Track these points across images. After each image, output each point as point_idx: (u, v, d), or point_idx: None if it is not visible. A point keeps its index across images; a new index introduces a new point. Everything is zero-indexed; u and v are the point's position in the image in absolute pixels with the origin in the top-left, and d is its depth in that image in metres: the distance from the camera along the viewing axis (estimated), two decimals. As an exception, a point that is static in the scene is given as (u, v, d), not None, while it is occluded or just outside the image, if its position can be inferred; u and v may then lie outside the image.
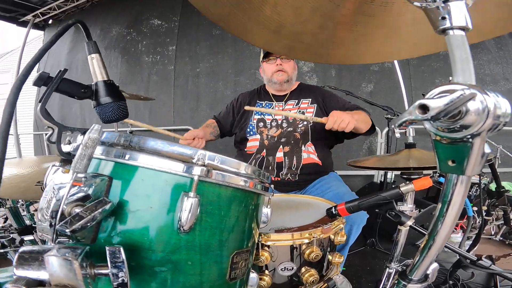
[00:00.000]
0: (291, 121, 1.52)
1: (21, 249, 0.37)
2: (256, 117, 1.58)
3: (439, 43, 0.66)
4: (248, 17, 0.60)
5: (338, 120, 1.19)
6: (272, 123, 1.54)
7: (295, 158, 1.46)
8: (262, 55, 1.60)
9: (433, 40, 0.65)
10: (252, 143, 1.55)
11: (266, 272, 0.79)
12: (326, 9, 0.58)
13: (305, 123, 1.50)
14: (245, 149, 1.56)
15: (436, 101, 0.31)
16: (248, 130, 1.57)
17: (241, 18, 0.61)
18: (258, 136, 1.54)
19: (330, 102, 1.55)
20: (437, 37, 0.63)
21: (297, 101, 1.58)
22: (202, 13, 0.58)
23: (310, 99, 1.57)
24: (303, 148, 1.47)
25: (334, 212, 0.80)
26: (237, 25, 0.64)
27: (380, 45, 0.69)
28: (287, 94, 1.62)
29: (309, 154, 1.47)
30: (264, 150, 1.50)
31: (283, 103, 1.59)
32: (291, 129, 1.50)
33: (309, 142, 1.48)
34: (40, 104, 0.53)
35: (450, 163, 0.37)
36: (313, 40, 0.67)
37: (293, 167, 1.45)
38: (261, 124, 1.56)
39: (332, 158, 1.61)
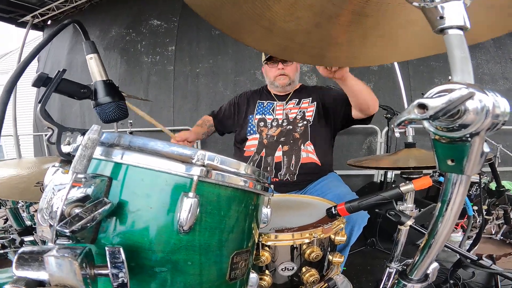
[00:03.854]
0: (291, 120, 1.52)
1: (21, 249, 0.37)
2: (258, 116, 1.58)
3: (430, 47, 0.67)
4: (239, 13, 0.59)
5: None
6: (273, 122, 1.54)
7: (294, 157, 1.45)
8: (263, 55, 1.59)
9: (424, 44, 0.66)
10: (251, 142, 1.55)
11: (267, 272, 0.79)
12: (321, 7, 0.57)
13: (304, 122, 1.50)
14: (244, 149, 1.56)
15: (435, 100, 0.31)
16: (249, 129, 1.57)
17: (233, 13, 0.60)
18: (257, 136, 1.54)
19: (329, 93, 1.57)
20: (428, 41, 0.63)
21: (297, 100, 1.58)
22: (189, 5, 0.56)
23: (310, 98, 1.58)
24: (302, 147, 1.47)
25: (334, 212, 0.80)
26: (229, 22, 0.63)
27: (373, 47, 0.68)
28: (289, 94, 1.63)
29: (308, 153, 1.47)
30: (264, 150, 1.50)
31: (285, 102, 1.59)
32: (290, 127, 1.51)
33: (308, 141, 1.49)
34: (39, 104, 0.53)
35: (449, 162, 0.37)
36: (306, 40, 0.65)
37: (292, 167, 1.45)
38: (262, 123, 1.56)
39: (332, 157, 1.61)
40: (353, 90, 1.28)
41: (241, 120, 1.63)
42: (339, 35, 0.65)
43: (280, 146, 1.48)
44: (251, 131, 1.57)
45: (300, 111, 1.54)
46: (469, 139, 0.33)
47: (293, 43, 0.67)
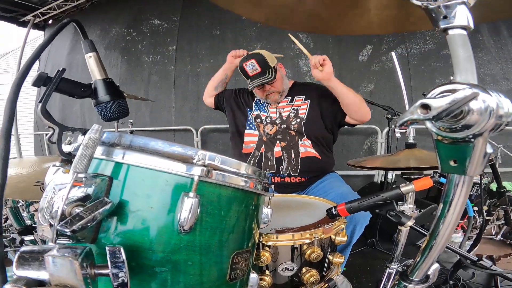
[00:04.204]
0: (284, 119, 1.53)
1: (21, 249, 0.37)
2: (255, 112, 1.60)
3: (399, 26, 0.76)
4: None
5: (320, 60, 1.31)
6: (267, 119, 1.56)
7: (293, 152, 1.47)
8: (248, 85, 1.53)
9: (394, 23, 0.74)
10: (250, 138, 1.57)
11: (267, 272, 0.79)
12: None
13: (297, 120, 1.51)
14: (243, 145, 1.57)
15: (438, 101, 0.30)
16: (248, 123, 1.59)
17: None
18: (256, 132, 1.56)
19: (326, 94, 1.54)
20: (396, 22, 0.69)
21: (290, 97, 1.59)
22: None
23: (304, 96, 1.58)
24: (299, 142, 1.49)
25: (334, 213, 0.80)
26: None
27: (350, 21, 0.76)
28: None
29: (306, 148, 1.49)
30: (263, 146, 1.52)
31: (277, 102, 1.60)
32: (285, 126, 1.52)
33: (305, 137, 1.50)
34: (40, 104, 0.53)
35: (452, 163, 0.37)
36: (290, 12, 0.74)
37: (293, 161, 1.46)
38: (258, 120, 1.58)
39: (332, 152, 1.61)
40: (339, 91, 1.39)
41: (240, 108, 1.64)
42: (320, 10, 0.72)
43: (278, 142, 1.51)
44: (251, 125, 1.58)
45: (293, 109, 1.54)
46: (472, 140, 0.33)
47: (278, 14, 0.76)
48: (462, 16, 0.37)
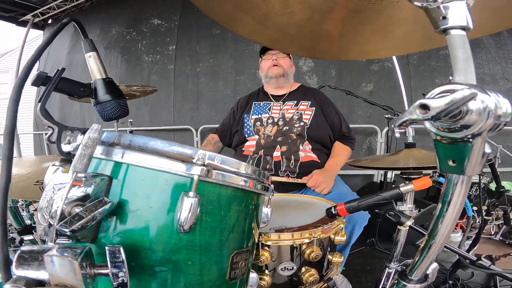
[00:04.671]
0: (287, 120, 1.52)
1: (21, 249, 0.37)
2: (254, 116, 1.58)
3: (421, 43, 0.67)
4: (235, 4, 0.60)
5: (317, 185, 1.34)
6: (269, 120, 1.55)
7: (292, 156, 1.46)
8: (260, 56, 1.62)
9: (415, 41, 0.66)
10: (250, 143, 1.56)
11: (266, 272, 0.79)
12: (317, 2, 0.58)
13: (301, 123, 1.51)
14: (243, 149, 1.56)
15: (436, 101, 0.31)
16: (246, 130, 1.57)
17: (228, 5, 0.61)
18: (256, 137, 1.54)
19: (329, 107, 1.59)
20: (419, 38, 0.63)
21: (296, 101, 1.58)
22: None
23: (310, 102, 1.57)
24: (300, 147, 1.48)
25: (333, 212, 0.80)
26: (223, 13, 0.64)
27: (363, 42, 0.69)
28: (285, 94, 1.62)
29: (306, 153, 1.48)
30: (262, 150, 1.50)
31: (281, 102, 1.59)
32: (287, 128, 1.51)
33: (306, 141, 1.50)
34: (39, 103, 0.53)
35: (450, 163, 0.37)
36: (298, 33, 0.67)
37: (291, 165, 1.45)
38: (258, 123, 1.56)
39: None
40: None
41: (239, 123, 1.64)
42: (331, 30, 0.66)
43: (278, 146, 1.48)
44: (249, 132, 1.56)
45: (297, 112, 1.54)
46: (471, 140, 0.33)
47: (285, 35, 0.69)
48: (462, 16, 0.37)
